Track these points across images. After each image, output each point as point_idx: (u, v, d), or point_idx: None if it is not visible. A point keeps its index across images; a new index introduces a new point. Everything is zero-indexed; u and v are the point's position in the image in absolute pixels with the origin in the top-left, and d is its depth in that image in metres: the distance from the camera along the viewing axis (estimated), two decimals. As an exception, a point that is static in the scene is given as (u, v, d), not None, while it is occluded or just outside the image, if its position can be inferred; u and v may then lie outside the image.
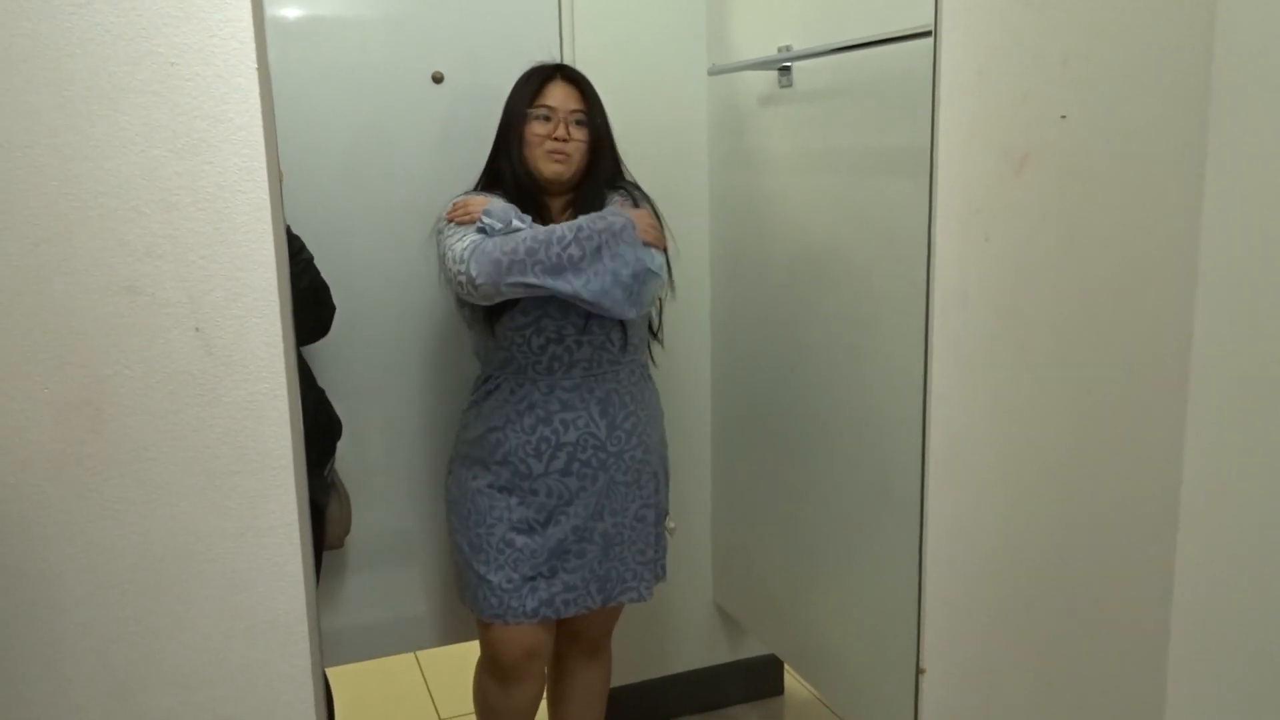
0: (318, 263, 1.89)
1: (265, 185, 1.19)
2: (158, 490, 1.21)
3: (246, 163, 1.17)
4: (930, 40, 1.51)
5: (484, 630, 1.94)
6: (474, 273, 1.67)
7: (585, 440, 1.85)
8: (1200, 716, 1.24)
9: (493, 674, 1.96)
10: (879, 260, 1.76)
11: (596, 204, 1.85)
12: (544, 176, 1.83)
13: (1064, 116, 1.30)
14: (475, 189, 1.90)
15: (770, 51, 2.01)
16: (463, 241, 1.73)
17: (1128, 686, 1.28)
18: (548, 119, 1.82)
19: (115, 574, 1.21)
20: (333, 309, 1.94)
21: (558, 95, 1.83)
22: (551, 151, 1.82)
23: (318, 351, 2.01)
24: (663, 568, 2.04)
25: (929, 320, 1.56)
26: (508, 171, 1.85)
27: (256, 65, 1.16)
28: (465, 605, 1.96)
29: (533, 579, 1.87)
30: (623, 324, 1.85)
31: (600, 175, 1.88)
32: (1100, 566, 1.31)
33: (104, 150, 1.13)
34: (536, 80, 1.85)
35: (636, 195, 1.90)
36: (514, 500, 1.86)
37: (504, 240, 1.68)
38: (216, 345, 1.20)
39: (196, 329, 1.19)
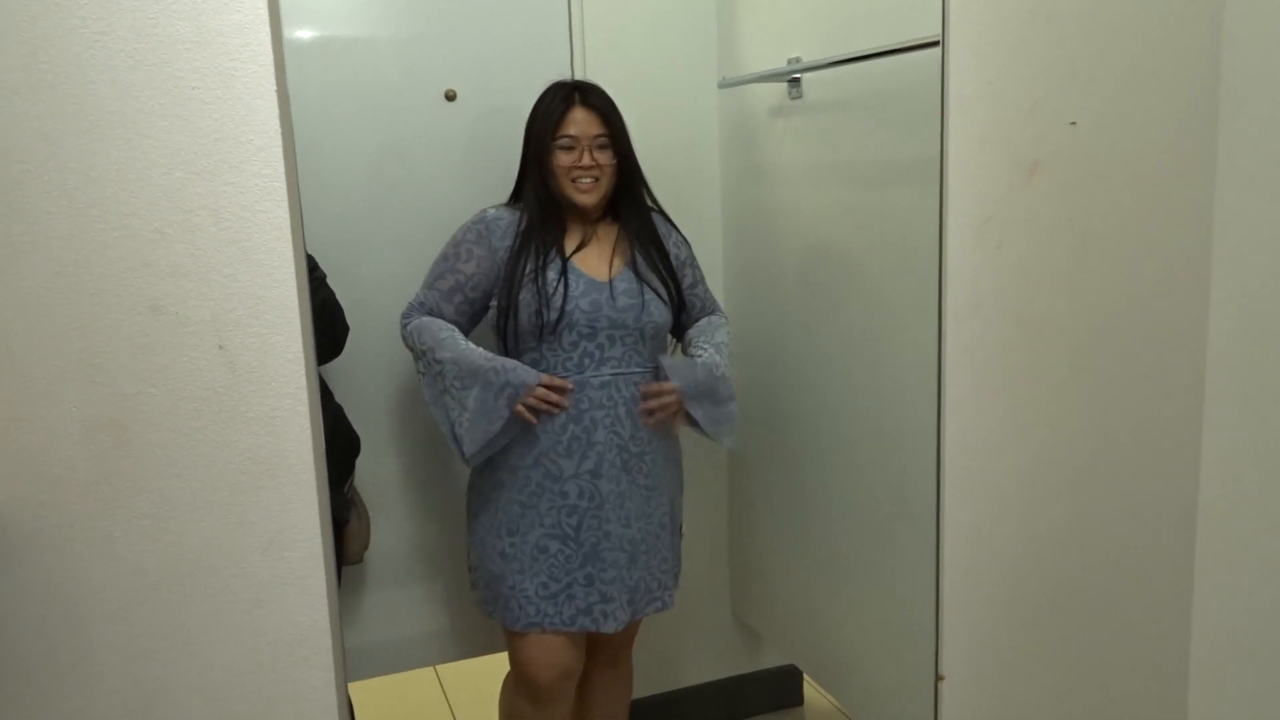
0: (333, 281, 1.91)
1: (285, 204, 1.21)
2: (182, 506, 1.23)
3: (267, 183, 1.20)
4: (938, 50, 1.52)
5: (517, 646, 1.92)
6: (402, 333, 1.92)
7: (611, 440, 1.86)
8: (1221, 721, 1.24)
9: (526, 695, 1.94)
10: (891, 270, 1.76)
11: (645, 225, 1.92)
12: (575, 205, 1.86)
13: (1074, 123, 1.30)
14: (506, 205, 1.93)
15: (780, 64, 2.02)
16: (419, 299, 1.91)
17: (1148, 693, 1.28)
18: (571, 148, 1.84)
19: (141, 589, 1.23)
20: (346, 328, 1.95)
21: (579, 123, 1.85)
22: (578, 180, 1.85)
23: (336, 368, 2.02)
24: (679, 570, 2.05)
25: (942, 329, 1.57)
26: (535, 198, 1.88)
27: (276, 88, 1.18)
28: (496, 619, 1.94)
29: (569, 586, 1.87)
30: (654, 328, 1.88)
31: (636, 193, 1.93)
32: (1118, 572, 1.31)
33: (127, 173, 1.16)
34: (558, 109, 1.85)
35: (660, 221, 1.95)
36: (544, 505, 1.86)
37: (421, 340, 1.87)
38: (239, 362, 1.22)
39: (220, 346, 1.21)
